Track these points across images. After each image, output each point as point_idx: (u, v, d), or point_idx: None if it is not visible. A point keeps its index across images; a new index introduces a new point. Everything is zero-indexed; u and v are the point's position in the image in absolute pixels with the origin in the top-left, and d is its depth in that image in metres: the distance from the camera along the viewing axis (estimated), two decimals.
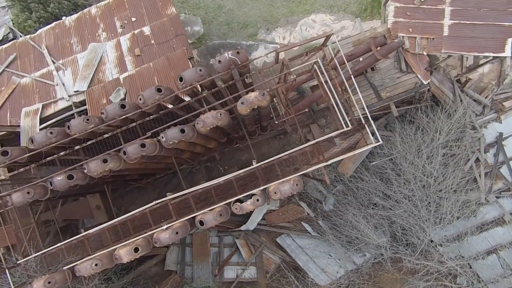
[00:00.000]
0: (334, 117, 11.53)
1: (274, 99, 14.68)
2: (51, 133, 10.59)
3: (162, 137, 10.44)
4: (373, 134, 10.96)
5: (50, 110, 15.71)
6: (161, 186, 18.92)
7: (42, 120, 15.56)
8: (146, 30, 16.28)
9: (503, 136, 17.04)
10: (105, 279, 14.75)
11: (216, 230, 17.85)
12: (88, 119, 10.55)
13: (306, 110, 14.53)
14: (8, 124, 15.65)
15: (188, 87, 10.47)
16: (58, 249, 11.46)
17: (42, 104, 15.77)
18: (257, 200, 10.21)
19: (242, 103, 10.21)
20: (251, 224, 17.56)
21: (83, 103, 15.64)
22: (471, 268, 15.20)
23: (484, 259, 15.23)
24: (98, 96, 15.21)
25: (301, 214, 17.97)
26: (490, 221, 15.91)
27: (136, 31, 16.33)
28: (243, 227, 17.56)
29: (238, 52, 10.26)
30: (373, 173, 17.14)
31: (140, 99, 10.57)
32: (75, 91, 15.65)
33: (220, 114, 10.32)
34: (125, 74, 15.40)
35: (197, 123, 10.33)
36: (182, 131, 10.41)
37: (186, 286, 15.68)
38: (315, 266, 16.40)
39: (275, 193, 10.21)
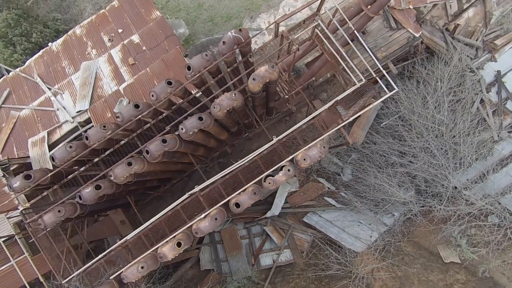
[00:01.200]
0: (344, 78, 11.61)
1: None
2: (70, 147, 10.50)
3: (182, 129, 10.42)
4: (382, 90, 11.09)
5: (57, 135, 15.56)
6: (178, 192, 18.83)
7: (50, 147, 15.40)
8: (135, 38, 16.24)
9: (502, 73, 17.30)
10: None
11: (242, 222, 17.82)
12: (104, 126, 10.49)
13: (313, 78, 14.56)
14: (17, 157, 15.48)
15: (198, 74, 10.47)
16: (99, 264, 11.35)
17: (47, 131, 15.62)
18: (288, 170, 10.23)
19: (253, 79, 10.23)
20: (275, 209, 17.55)
21: (88, 121, 15.55)
22: (500, 204, 15.36)
23: (511, 193, 15.39)
24: (102, 111, 15.12)
25: (322, 189, 18.01)
26: (508, 155, 16.11)
27: (125, 42, 16.28)
28: (268, 214, 17.54)
29: (240, 30, 10.31)
30: (384, 134, 17.27)
31: (153, 96, 10.54)
32: (78, 112, 15.53)
33: (235, 95, 10.34)
34: (124, 85, 15.34)
35: (214, 107, 10.32)
36: (200, 118, 10.42)
37: (229, 279, 15.61)
38: (348, 236, 16.45)
39: (304, 159, 10.22)
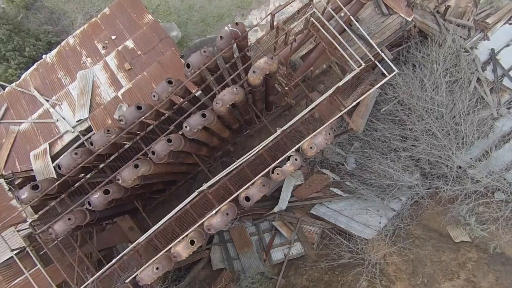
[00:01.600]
0: (340, 68, 11.63)
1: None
2: (75, 154, 10.47)
3: (186, 127, 10.43)
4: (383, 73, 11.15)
5: (58, 146, 15.51)
6: (184, 195, 18.82)
7: (53, 158, 15.33)
8: (129, 43, 16.23)
9: (496, 51, 17.39)
10: None
11: (250, 219, 17.81)
12: (108, 130, 10.47)
13: (312, 68, 14.62)
14: (20, 171, 15.40)
15: (197, 71, 10.47)
16: (112, 269, 11.32)
17: (48, 143, 15.56)
18: (296, 159, 10.24)
19: (254, 71, 10.25)
20: (282, 204, 17.56)
21: (89, 130, 15.51)
22: (505, 180, 15.41)
23: None
24: (102, 119, 15.09)
25: (327, 181, 18.03)
26: (509, 131, 16.18)
27: (119, 48, 16.26)
28: (275, 209, 17.55)
29: (236, 23, 10.32)
30: (385, 120, 17.32)
31: (154, 96, 10.53)
32: (78, 121, 15.49)
33: (236, 89, 10.37)
34: (123, 90, 15.32)
35: (216, 103, 10.34)
36: (204, 115, 10.43)
37: (242, 276, 15.59)
38: (357, 224, 16.47)
39: (310, 148, 10.23)
